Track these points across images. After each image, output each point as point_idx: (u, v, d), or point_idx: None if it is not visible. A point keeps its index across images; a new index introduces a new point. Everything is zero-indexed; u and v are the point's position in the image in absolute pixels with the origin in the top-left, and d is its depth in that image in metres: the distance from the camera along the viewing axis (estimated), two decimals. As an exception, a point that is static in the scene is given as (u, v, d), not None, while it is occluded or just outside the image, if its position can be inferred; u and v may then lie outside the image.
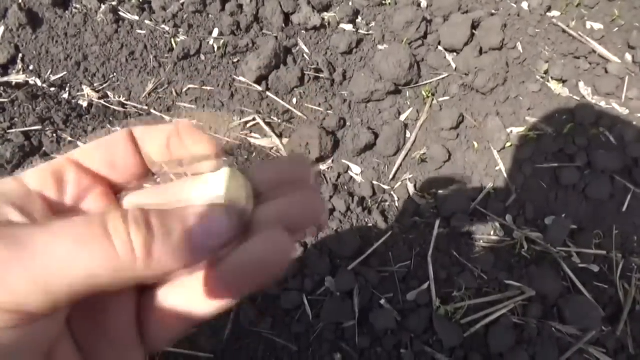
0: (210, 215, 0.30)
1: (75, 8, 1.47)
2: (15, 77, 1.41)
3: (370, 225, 1.19)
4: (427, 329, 1.04)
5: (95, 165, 0.34)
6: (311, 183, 0.35)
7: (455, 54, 1.43)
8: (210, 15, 1.49)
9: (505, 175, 1.26)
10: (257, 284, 0.30)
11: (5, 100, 1.33)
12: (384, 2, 1.52)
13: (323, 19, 1.48)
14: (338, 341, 1.04)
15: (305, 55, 1.45)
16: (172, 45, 1.44)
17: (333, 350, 1.03)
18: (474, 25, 1.43)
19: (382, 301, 1.06)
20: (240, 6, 1.49)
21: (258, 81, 1.39)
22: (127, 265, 0.26)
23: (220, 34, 1.47)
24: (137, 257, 0.27)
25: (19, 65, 1.43)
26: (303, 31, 1.48)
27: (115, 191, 0.35)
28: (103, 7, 1.47)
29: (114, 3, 1.49)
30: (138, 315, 0.32)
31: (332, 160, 1.31)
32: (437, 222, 1.17)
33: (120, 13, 1.48)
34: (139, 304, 0.33)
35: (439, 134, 1.33)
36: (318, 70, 1.42)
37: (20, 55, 1.44)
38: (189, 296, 0.32)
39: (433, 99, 1.37)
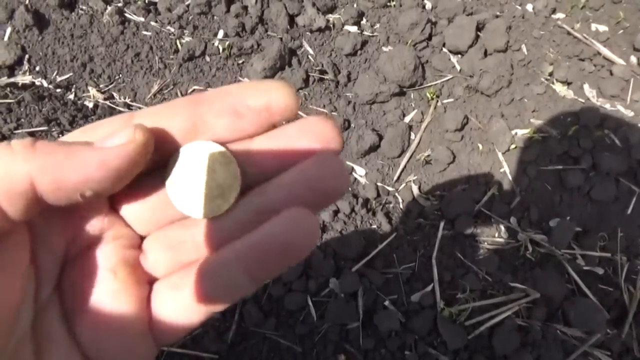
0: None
1: (82, 9, 1.48)
2: (22, 78, 1.42)
3: (374, 226, 1.19)
4: (432, 330, 1.04)
5: None
6: (334, 148, 0.30)
7: (459, 55, 1.43)
8: (215, 17, 1.50)
9: (510, 177, 1.26)
10: (276, 271, 0.28)
11: (12, 100, 1.34)
12: (388, 3, 1.52)
13: (328, 21, 1.49)
14: (342, 342, 1.04)
15: (309, 56, 1.46)
16: (177, 46, 1.44)
17: (337, 352, 1.03)
18: (479, 27, 1.44)
19: (386, 303, 1.06)
20: (245, 8, 1.49)
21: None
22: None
23: (225, 35, 1.47)
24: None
25: (25, 66, 1.44)
26: (308, 33, 1.48)
27: None
28: (109, 8, 1.48)
29: (120, 4, 1.50)
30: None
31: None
32: (442, 224, 1.18)
33: (126, 14, 1.48)
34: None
35: (443, 136, 1.33)
36: (323, 72, 1.42)
37: (27, 56, 1.45)
38: (184, 301, 0.30)
39: (437, 101, 1.37)
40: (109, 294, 0.29)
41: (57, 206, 0.27)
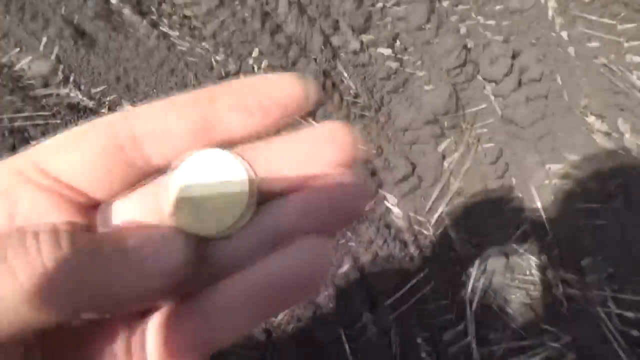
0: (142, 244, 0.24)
1: (117, 21, 1.48)
2: (56, 90, 1.42)
3: (406, 259, 1.20)
4: (462, 369, 1.05)
5: (67, 175, 0.25)
6: (355, 162, 0.27)
7: (494, 84, 1.43)
8: (250, 35, 1.49)
9: (543, 214, 1.26)
10: (282, 309, 0.26)
11: (47, 113, 1.35)
12: (423, 27, 1.51)
13: (362, 43, 1.48)
14: (373, 377, 1.05)
15: (343, 79, 1.45)
16: (212, 63, 1.44)
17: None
18: (514, 56, 1.43)
19: (419, 340, 1.07)
20: (280, 26, 1.49)
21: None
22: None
23: (260, 53, 1.47)
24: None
25: (60, 77, 1.45)
26: (342, 54, 1.48)
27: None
28: (145, 22, 1.48)
29: (155, 17, 1.50)
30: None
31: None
32: (475, 260, 1.18)
33: (162, 29, 1.48)
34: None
35: (476, 167, 1.33)
36: (356, 95, 1.42)
37: (61, 67, 1.45)
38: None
39: (471, 130, 1.37)
40: None
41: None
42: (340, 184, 0.25)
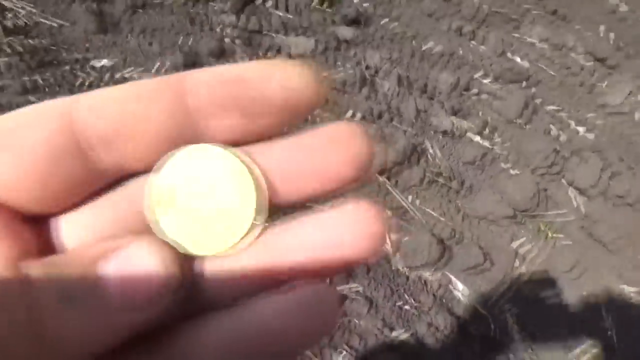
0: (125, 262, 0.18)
1: (228, 62, 1.57)
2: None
3: (466, 348, 1.18)
4: None
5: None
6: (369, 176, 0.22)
7: (582, 195, 1.42)
8: (347, 95, 1.55)
9: (614, 336, 1.23)
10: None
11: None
12: (515, 120, 1.53)
13: (453, 124, 1.51)
14: None
15: (429, 155, 1.48)
16: (308, 116, 1.50)
17: None
18: (604, 168, 1.42)
19: None
20: (377, 92, 1.55)
21: (381, 171, 1.43)
22: None
23: (353, 115, 1.52)
24: None
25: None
26: (432, 131, 1.51)
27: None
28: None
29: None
30: None
31: (435, 270, 1.32)
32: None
33: (266, 74, 1.56)
34: None
35: (550, 273, 1.31)
36: (439, 174, 1.44)
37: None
38: None
39: (550, 235, 1.36)
40: None
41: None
42: (357, 220, 0.20)
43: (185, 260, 0.20)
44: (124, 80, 1.53)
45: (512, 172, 1.40)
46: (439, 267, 1.32)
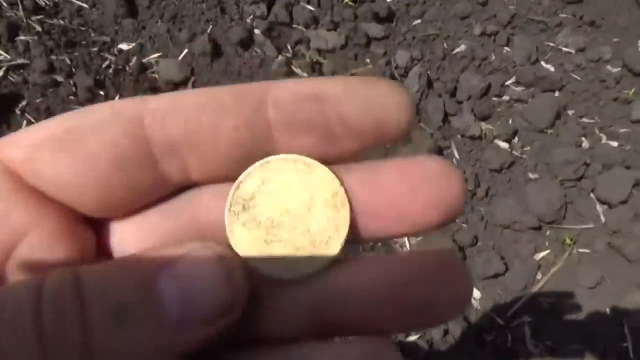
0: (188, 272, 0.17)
1: (255, 52, 1.56)
2: (184, 99, 1.50)
3: (481, 357, 1.16)
4: None
5: (52, 187, 0.18)
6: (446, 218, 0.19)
7: (607, 207, 1.39)
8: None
9: (631, 352, 1.20)
10: None
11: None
12: (545, 130, 1.50)
13: (481, 130, 1.49)
14: None
15: (454, 160, 1.45)
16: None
17: None
18: (635, 184, 1.38)
19: None
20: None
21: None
22: None
23: (379, 114, 1.50)
24: None
25: (189, 87, 1.53)
26: (459, 136, 1.49)
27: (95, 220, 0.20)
28: (279, 57, 1.54)
29: (289, 55, 1.57)
30: None
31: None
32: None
33: (292, 67, 1.55)
34: None
35: (572, 287, 1.28)
36: (464, 180, 1.41)
37: (193, 78, 1.53)
38: None
39: (573, 248, 1.33)
40: None
41: None
42: (436, 281, 0.19)
43: (252, 278, 0.18)
44: (150, 65, 1.52)
45: (539, 182, 1.37)
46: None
